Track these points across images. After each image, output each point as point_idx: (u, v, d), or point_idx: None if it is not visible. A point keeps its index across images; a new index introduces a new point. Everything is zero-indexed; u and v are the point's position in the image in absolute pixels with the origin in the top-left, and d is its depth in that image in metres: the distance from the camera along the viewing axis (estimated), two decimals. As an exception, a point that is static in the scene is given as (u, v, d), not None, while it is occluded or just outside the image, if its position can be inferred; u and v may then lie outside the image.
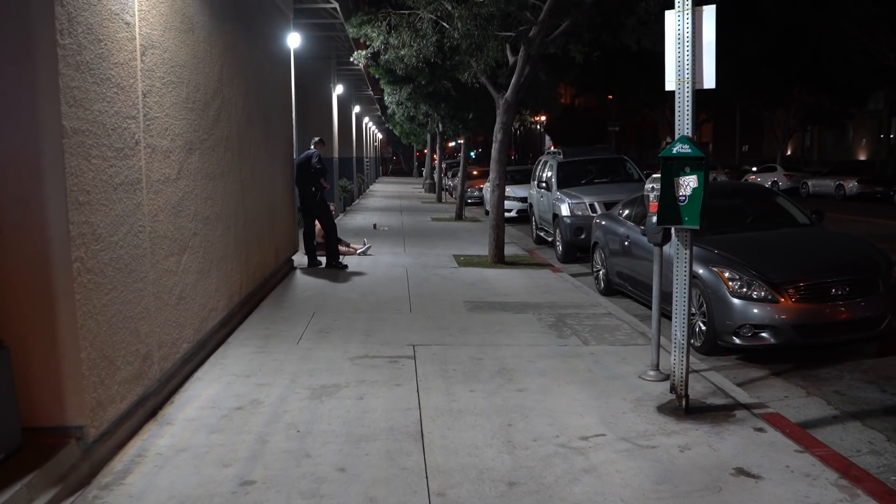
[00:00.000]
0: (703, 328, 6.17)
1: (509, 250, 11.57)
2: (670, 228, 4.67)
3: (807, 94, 32.54)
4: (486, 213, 16.36)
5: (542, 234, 14.09)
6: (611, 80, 33.56)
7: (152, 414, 4.42)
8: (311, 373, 5.28)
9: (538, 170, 14.70)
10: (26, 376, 3.43)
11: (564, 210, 11.79)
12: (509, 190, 15.76)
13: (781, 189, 26.34)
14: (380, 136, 53.59)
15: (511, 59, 10.42)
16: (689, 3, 4.39)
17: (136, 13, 4.26)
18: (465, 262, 10.92)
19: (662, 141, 46.10)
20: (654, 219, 4.71)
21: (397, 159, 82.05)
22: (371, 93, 27.90)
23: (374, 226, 16.31)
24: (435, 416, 4.41)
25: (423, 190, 34.52)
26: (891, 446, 4.30)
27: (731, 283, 5.95)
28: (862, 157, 36.47)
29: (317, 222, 10.34)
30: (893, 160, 31.93)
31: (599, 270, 9.09)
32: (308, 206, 10.10)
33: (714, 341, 6.04)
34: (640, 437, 4.10)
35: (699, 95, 4.52)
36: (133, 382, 4.10)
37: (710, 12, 4.39)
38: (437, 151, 27.37)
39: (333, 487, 3.48)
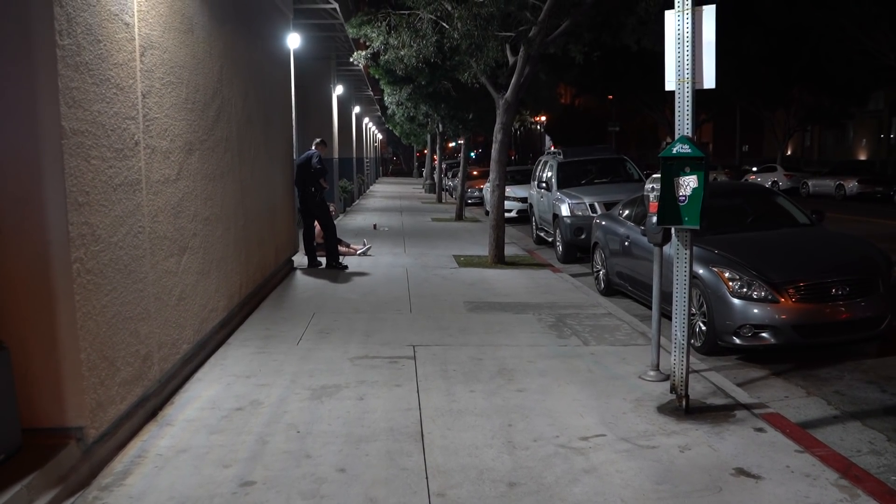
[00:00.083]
0: (704, 328, 6.17)
1: (509, 250, 11.57)
2: (670, 228, 4.67)
3: (807, 94, 32.53)
4: (487, 213, 16.36)
5: (542, 234, 14.09)
6: (611, 81, 33.56)
7: (152, 415, 4.42)
8: (311, 373, 5.28)
9: (538, 170, 14.70)
10: (26, 377, 3.43)
11: (564, 210, 11.79)
12: (509, 190, 15.76)
13: (781, 189, 26.34)
14: (380, 136, 53.60)
15: (511, 60, 10.42)
16: (689, 2, 4.39)
17: (136, 14, 4.26)
18: (466, 262, 10.92)
19: (662, 141, 46.10)
20: (654, 219, 4.71)
21: (397, 160, 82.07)
22: (371, 93, 27.90)
23: (375, 226, 16.31)
24: (435, 417, 4.41)
25: (423, 190, 34.53)
26: (891, 446, 4.30)
27: (731, 284, 5.95)
28: (862, 157, 36.47)
29: (316, 223, 10.34)
30: (893, 160, 31.91)
31: (599, 271, 9.09)
32: (307, 207, 10.10)
33: (714, 341, 6.04)
34: (640, 438, 4.10)
35: (699, 95, 4.52)
36: (133, 383, 4.10)
37: (709, 12, 4.39)
38: (438, 152, 27.38)
39: (333, 488, 3.48)
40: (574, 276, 9.96)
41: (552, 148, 33.51)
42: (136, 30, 4.27)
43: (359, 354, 5.79)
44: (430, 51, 10.12)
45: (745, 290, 5.88)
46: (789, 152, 39.25)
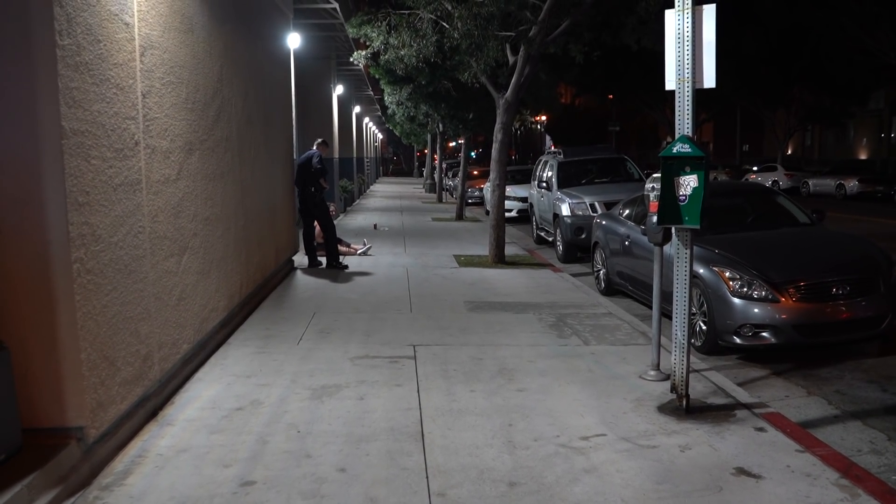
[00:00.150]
0: (704, 328, 6.16)
1: (510, 250, 11.56)
2: (671, 228, 4.66)
3: (807, 93, 32.51)
4: (487, 213, 16.36)
5: (542, 233, 14.09)
6: (611, 80, 33.53)
7: (153, 414, 4.42)
8: (311, 373, 5.28)
9: (538, 170, 14.70)
10: (26, 377, 3.43)
11: (565, 210, 11.79)
12: (510, 190, 15.76)
13: (782, 188, 26.33)
14: (380, 136, 53.59)
15: (511, 59, 10.42)
16: (689, 2, 4.39)
17: (136, 14, 4.26)
18: (466, 262, 10.92)
19: (663, 140, 46.09)
20: (655, 218, 4.71)
21: (398, 159, 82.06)
22: (371, 93, 27.90)
23: (375, 226, 16.31)
24: (435, 417, 4.41)
25: (423, 190, 34.53)
26: (892, 446, 4.30)
27: (731, 283, 5.94)
28: (863, 157, 36.45)
29: (316, 223, 10.34)
30: (894, 159, 31.91)
31: (600, 270, 9.08)
32: (307, 207, 10.10)
33: (715, 341, 6.04)
34: (640, 437, 4.10)
35: (699, 95, 4.52)
36: (133, 383, 4.10)
37: (710, 11, 4.39)
38: (438, 151, 27.37)
39: (334, 488, 3.48)
40: (574, 275, 9.96)
41: (552, 147, 33.52)
42: (136, 30, 4.27)
43: (359, 354, 5.78)
44: (430, 50, 10.12)
45: (745, 289, 5.88)
46: (790, 152, 39.23)
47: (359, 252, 11.59)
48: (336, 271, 9.90)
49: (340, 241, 11.07)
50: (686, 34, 4.40)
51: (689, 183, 4.40)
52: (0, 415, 3.23)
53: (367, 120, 35.33)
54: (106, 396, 3.74)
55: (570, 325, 6.79)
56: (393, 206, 24.26)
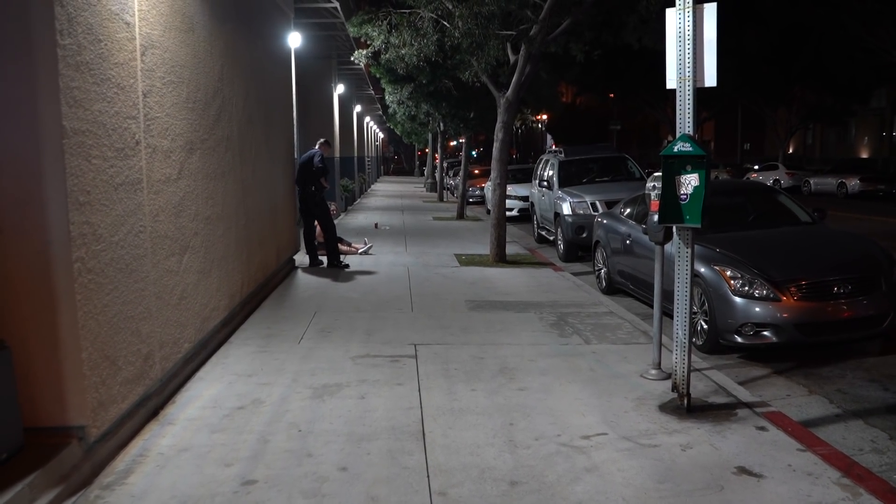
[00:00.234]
0: (705, 327, 6.16)
1: (511, 249, 11.56)
2: (672, 227, 4.66)
3: (809, 92, 32.48)
4: (488, 212, 16.35)
5: (543, 232, 14.09)
6: (612, 79, 33.52)
7: (154, 414, 4.42)
8: (312, 372, 5.28)
9: (539, 169, 14.70)
10: (28, 377, 3.43)
11: (566, 209, 11.79)
12: (511, 189, 15.75)
13: (783, 187, 26.33)
14: (381, 135, 53.60)
15: (512, 58, 10.42)
16: (690, 1, 4.38)
17: (136, 13, 4.26)
18: (467, 261, 10.92)
19: (664, 139, 46.07)
20: (656, 217, 4.71)
21: (399, 158, 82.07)
22: (372, 92, 27.89)
23: (376, 225, 16.32)
24: (436, 416, 4.41)
25: (424, 189, 34.53)
26: (893, 445, 4.29)
27: (732, 282, 5.94)
28: (864, 155, 36.43)
29: (316, 222, 10.35)
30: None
31: (601, 269, 9.08)
32: (308, 206, 10.10)
33: (716, 340, 6.03)
34: (641, 436, 4.10)
35: (700, 93, 4.51)
36: (134, 382, 4.10)
37: (710, 10, 4.39)
38: (439, 150, 27.36)
39: (335, 487, 3.48)
40: (575, 274, 9.95)
41: (553, 146, 33.46)
42: (137, 29, 4.27)
43: (360, 353, 5.79)
44: (431, 49, 10.12)
45: (746, 288, 5.87)
46: (791, 150, 39.22)
47: (360, 251, 11.59)
48: (337, 270, 9.90)
49: (341, 241, 11.07)
50: (687, 33, 4.40)
51: (690, 182, 4.40)
52: (2, 414, 3.23)
53: (367, 119, 35.33)
54: (107, 396, 3.74)
55: (572, 324, 6.79)
56: (394, 205, 24.26)
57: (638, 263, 7.78)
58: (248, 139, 7.18)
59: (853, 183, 25.15)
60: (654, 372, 5.14)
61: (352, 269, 10.05)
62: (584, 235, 11.05)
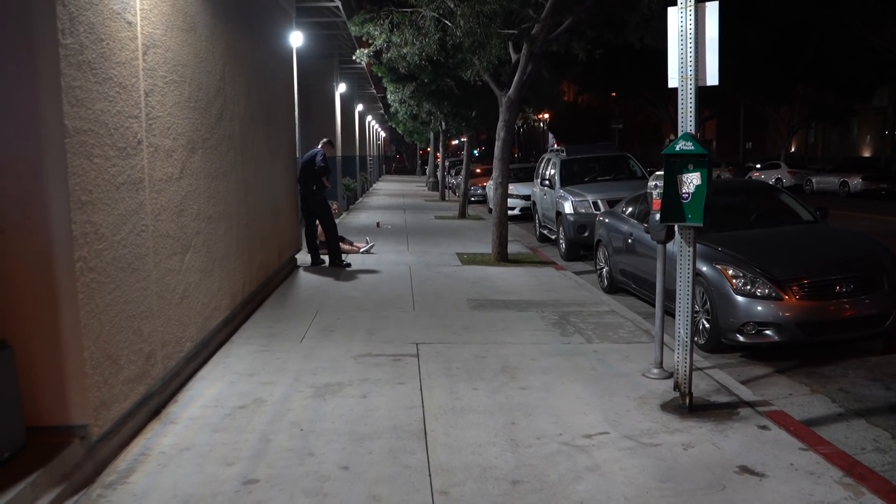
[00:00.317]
0: (707, 326, 6.15)
1: (512, 248, 11.56)
2: (674, 226, 4.66)
3: (811, 90, 32.44)
4: (490, 211, 16.34)
5: (545, 231, 14.08)
6: (614, 78, 33.47)
7: (156, 413, 4.43)
8: (314, 371, 5.29)
9: (541, 167, 14.68)
10: (30, 376, 3.44)
11: (568, 208, 11.78)
12: (512, 188, 15.74)
13: (785, 186, 26.27)
14: (383, 134, 53.60)
15: (514, 57, 10.41)
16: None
17: (138, 12, 4.26)
18: (469, 260, 10.92)
19: (666, 138, 46.03)
20: (658, 216, 4.70)
21: (400, 157, 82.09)
22: (374, 91, 27.90)
23: (378, 224, 16.32)
24: (438, 415, 4.41)
25: (426, 188, 34.54)
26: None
27: (734, 281, 5.93)
28: (866, 154, 36.36)
29: (318, 221, 10.35)
30: (898, 157, 31.83)
31: (603, 268, 9.07)
32: (309, 206, 10.10)
33: (718, 339, 6.03)
34: (643, 435, 4.10)
35: (702, 92, 4.51)
36: (136, 381, 4.11)
37: (712, 9, 4.38)
38: (441, 149, 27.36)
39: (337, 486, 3.48)
40: (577, 273, 9.95)
41: (555, 145, 33.49)
42: (139, 28, 4.27)
43: (362, 352, 5.79)
44: (432, 48, 10.12)
45: (748, 287, 5.87)
46: (793, 149, 39.16)
47: (362, 250, 11.60)
48: (339, 269, 9.91)
49: (343, 240, 11.07)
50: (689, 32, 4.39)
51: (692, 180, 4.40)
52: (4, 413, 3.24)
53: (369, 118, 35.35)
54: (109, 395, 3.75)
55: (573, 323, 6.79)
56: (396, 204, 24.26)
57: (640, 262, 7.77)
58: (249, 138, 7.19)
59: (855, 182, 25.11)
60: (655, 371, 5.13)
61: (354, 268, 10.05)
62: (586, 234, 11.04)
